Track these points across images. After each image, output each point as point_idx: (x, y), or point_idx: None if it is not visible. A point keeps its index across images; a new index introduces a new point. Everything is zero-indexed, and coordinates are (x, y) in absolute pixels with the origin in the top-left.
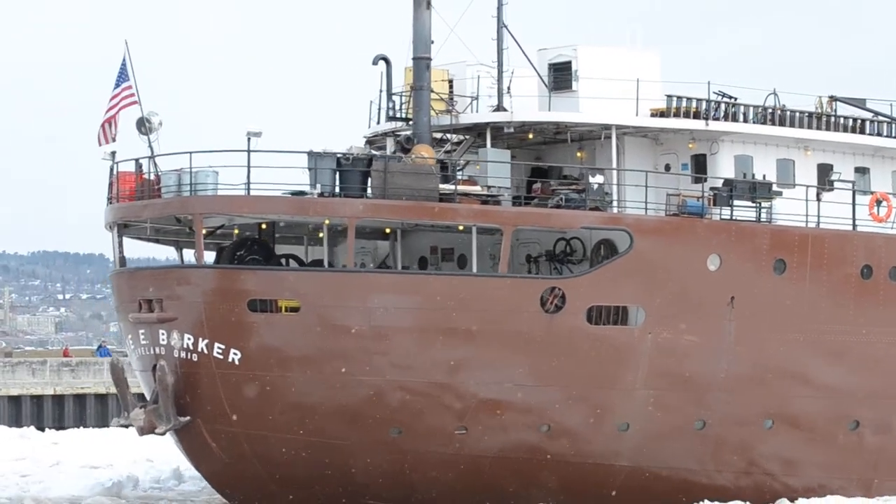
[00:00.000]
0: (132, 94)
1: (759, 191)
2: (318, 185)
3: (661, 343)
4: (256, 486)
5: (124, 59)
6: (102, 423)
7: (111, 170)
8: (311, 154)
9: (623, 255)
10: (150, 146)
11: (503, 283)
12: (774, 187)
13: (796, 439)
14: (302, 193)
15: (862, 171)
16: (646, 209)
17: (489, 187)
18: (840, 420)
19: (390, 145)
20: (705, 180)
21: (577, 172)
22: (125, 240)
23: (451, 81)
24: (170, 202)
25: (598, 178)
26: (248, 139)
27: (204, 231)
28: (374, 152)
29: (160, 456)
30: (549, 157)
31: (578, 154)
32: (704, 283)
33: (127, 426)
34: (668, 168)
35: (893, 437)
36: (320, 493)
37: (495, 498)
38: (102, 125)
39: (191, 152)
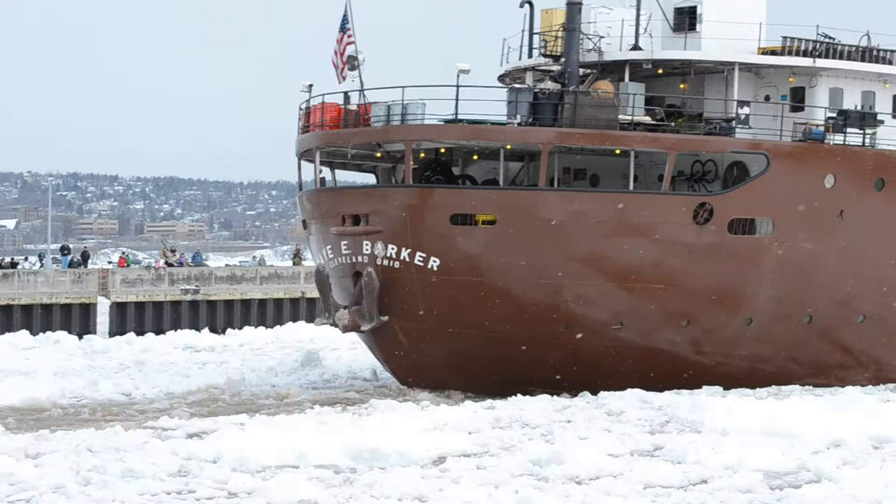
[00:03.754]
0: (351, 37)
1: (867, 120)
2: (518, 116)
3: (784, 250)
4: (436, 376)
5: (346, 8)
6: None
7: (307, 102)
8: (511, 89)
9: (761, 175)
10: (361, 79)
11: (664, 199)
12: (879, 117)
13: (881, 333)
14: (458, 121)
15: None
16: (780, 136)
17: (635, 117)
18: None
19: (529, 79)
20: (804, 109)
21: (679, 102)
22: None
23: None
24: (389, 129)
25: (746, 110)
26: (458, 75)
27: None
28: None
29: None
30: (653, 89)
31: (682, 86)
32: (821, 199)
33: (330, 325)
34: (767, 99)
35: None
36: (491, 381)
37: (639, 382)
38: (334, 63)
39: (403, 87)
